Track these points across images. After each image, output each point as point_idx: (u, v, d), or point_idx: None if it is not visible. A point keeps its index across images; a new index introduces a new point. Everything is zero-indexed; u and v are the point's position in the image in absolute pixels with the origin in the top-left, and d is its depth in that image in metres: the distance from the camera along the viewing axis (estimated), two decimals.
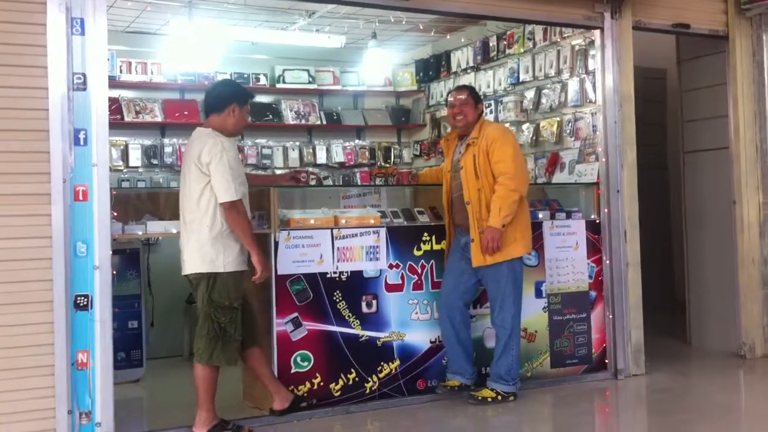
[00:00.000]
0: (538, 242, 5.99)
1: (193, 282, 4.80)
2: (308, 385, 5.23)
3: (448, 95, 5.92)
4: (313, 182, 8.40)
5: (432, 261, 5.68)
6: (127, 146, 7.92)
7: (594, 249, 6.24)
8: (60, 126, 4.51)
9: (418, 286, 5.63)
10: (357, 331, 5.41)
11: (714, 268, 7.17)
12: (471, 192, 5.42)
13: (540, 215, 6.08)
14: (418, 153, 9.27)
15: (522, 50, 7.62)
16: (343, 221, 5.46)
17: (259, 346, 5.04)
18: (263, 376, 5.04)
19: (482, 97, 8.02)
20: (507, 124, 7.67)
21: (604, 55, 6.35)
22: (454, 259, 5.58)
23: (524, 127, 7.57)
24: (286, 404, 5.06)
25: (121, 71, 7.89)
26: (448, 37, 8.60)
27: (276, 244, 5.19)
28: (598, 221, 6.29)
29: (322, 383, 5.27)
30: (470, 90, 5.78)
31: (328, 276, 5.34)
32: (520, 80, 7.64)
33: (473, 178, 5.42)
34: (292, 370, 5.20)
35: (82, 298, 4.56)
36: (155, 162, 8.01)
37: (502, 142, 5.44)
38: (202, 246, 4.70)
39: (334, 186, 8.31)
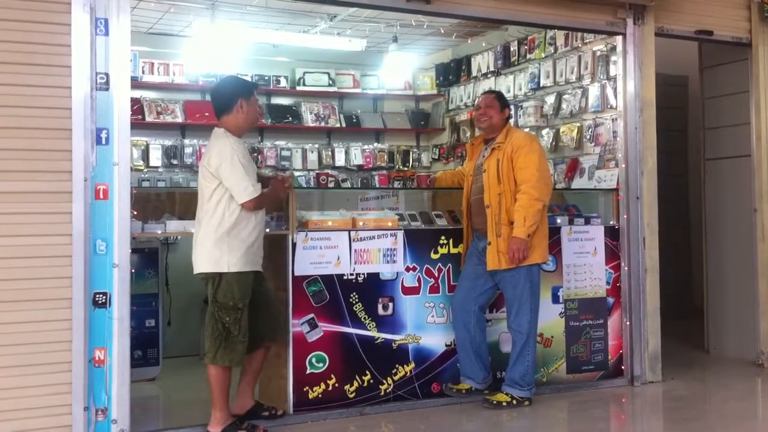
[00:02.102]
0: (556, 247, 5.97)
1: (203, 280, 4.84)
2: (323, 386, 5.24)
3: (477, 99, 5.94)
4: (331, 184, 8.43)
5: (449, 264, 5.68)
6: (147, 146, 7.99)
7: (612, 255, 6.22)
8: (82, 125, 4.55)
9: (434, 290, 5.64)
10: (373, 333, 5.42)
11: (733, 276, 7.13)
12: (492, 196, 5.42)
13: (558, 220, 6.07)
14: (437, 157, 9.28)
15: (543, 55, 7.61)
16: (361, 223, 5.47)
17: (267, 347, 5.07)
18: (245, 373, 5.05)
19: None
20: (527, 129, 7.66)
21: (626, 61, 6.33)
22: (471, 263, 5.57)
23: (544, 132, 7.55)
24: (241, 412, 5.02)
25: (143, 72, 7.97)
26: (469, 41, 8.61)
27: (294, 245, 5.21)
28: (616, 227, 6.27)
29: (337, 384, 5.28)
30: (498, 94, 5.82)
31: (345, 278, 5.36)
32: (541, 85, 7.63)
33: (495, 182, 5.42)
34: (308, 371, 5.21)
35: (101, 295, 4.60)
36: (175, 162, 8.06)
37: (528, 149, 5.42)
38: (207, 246, 4.73)
39: (352, 188, 8.33)
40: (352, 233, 5.40)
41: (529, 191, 5.32)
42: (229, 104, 4.88)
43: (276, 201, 5.13)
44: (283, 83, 8.72)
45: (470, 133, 8.54)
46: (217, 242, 4.71)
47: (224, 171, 4.68)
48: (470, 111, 8.45)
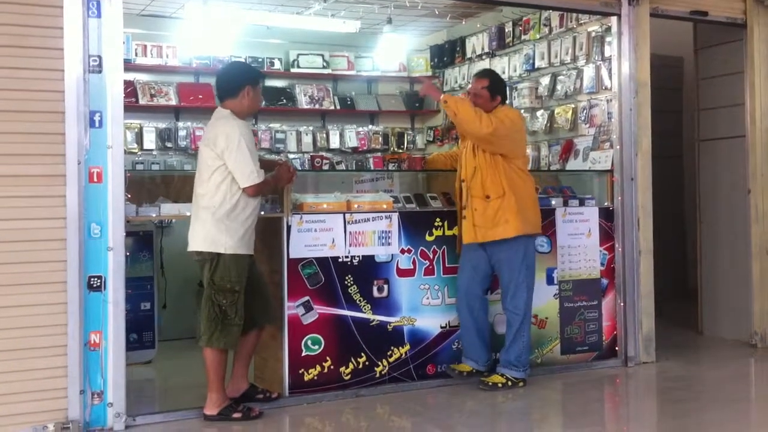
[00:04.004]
0: (550, 229, 5.98)
1: (199, 263, 4.84)
2: (318, 368, 5.26)
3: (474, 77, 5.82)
4: (326, 167, 8.41)
5: (444, 246, 5.68)
6: (141, 129, 7.97)
7: (607, 236, 6.22)
8: (75, 108, 4.54)
9: (429, 272, 5.64)
10: (368, 315, 5.43)
11: (727, 258, 7.15)
12: (468, 170, 5.43)
13: (553, 202, 6.07)
14: (431, 139, 9.27)
15: (538, 36, 7.59)
16: (356, 206, 5.46)
17: (260, 329, 5.08)
18: (239, 356, 5.06)
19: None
20: (521, 111, 7.65)
21: (621, 42, 6.30)
22: (471, 247, 5.56)
23: (539, 113, 7.55)
24: (237, 394, 5.02)
25: (136, 54, 7.93)
26: (463, 22, 8.58)
27: (288, 227, 5.20)
28: (611, 208, 6.27)
29: (332, 367, 5.30)
30: (490, 81, 5.62)
31: (340, 260, 5.36)
32: (536, 66, 7.62)
33: (471, 156, 5.44)
34: (303, 354, 5.22)
35: (96, 279, 4.60)
36: (169, 145, 8.04)
37: (497, 112, 5.43)
38: (206, 225, 4.74)
39: (347, 171, 8.31)
40: (347, 216, 5.39)
41: (485, 121, 5.27)
42: (236, 90, 4.88)
43: (276, 187, 5.13)
44: (277, 65, 8.69)
45: None
46: (216, 223, 4.71)
47: (230, 154, 4.68)
48: (463, 93, 8.41)
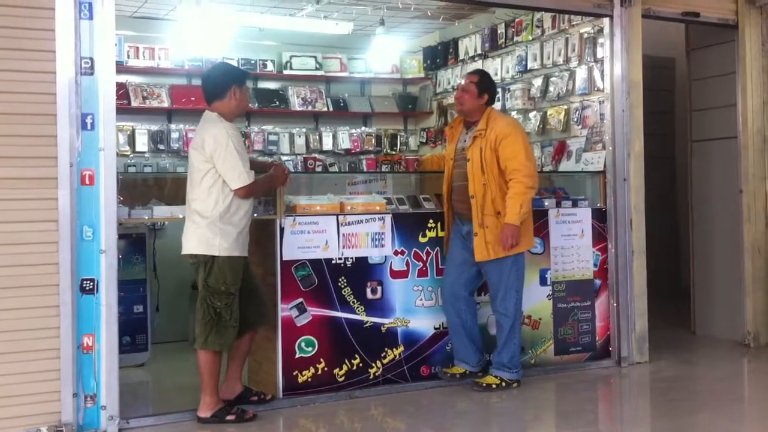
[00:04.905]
0: (543, 230, 5.99)
1: (193, 266, 4.83)
2: (312, 370, 5.25)
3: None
4: (319, 169, 8.42)
5: (437, 248, 5.68)
6: (134, 131, 7.95)
7: (599, 237, 6.23)
8: (67, 110, 4.52)
9: (423, 273, 5.64)
10: (361, 317, 5.42)
11: (720, 258, 7.17)
12: (476, 186, 5.38)
13: (546, 203, 6.08)
14: (424, 140, 9.27)
15: (530, 38, 7.60)
16: (349, 208, 5.46)
17: (254, 331, 5.07)
18: (233, 358, 5.05)
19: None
20: (514, 112, 7.67)
21: (613, 43, 6.31)
22: (456, 248, 5.56)
23: (531, 115, 7.56)
24: (231, 396, 5.01)
25: (128, 56, 7.91)
26: (456, 24, 8.59)
27: (281, 229, 5.20)
28: (604, 209, 6.28)
29: (326, 368, 5.29)
30: (480, 78, 5.64)
31: (334, 262, 5.35)
32: (528, 68, 7.63)
33: (479, 173, 5.37)
34: (297, 356, 5.22)
35: (88, 281, 4.58)
36: (162, 147, 8.03)
37: (513, 139, 5.35)
38: (199, 228, 4.73)
39: (340, 173, 8.31)
40: (340, 217, 5.39)
41: (523, 180, 5.28)
42: (222, 90, 4.87)
43: (269, 189, 5.12)
44: (270, 67, 8.68)
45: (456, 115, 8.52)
46: (210, 226, 4.71)
47: (219, 157, 4.68)
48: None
